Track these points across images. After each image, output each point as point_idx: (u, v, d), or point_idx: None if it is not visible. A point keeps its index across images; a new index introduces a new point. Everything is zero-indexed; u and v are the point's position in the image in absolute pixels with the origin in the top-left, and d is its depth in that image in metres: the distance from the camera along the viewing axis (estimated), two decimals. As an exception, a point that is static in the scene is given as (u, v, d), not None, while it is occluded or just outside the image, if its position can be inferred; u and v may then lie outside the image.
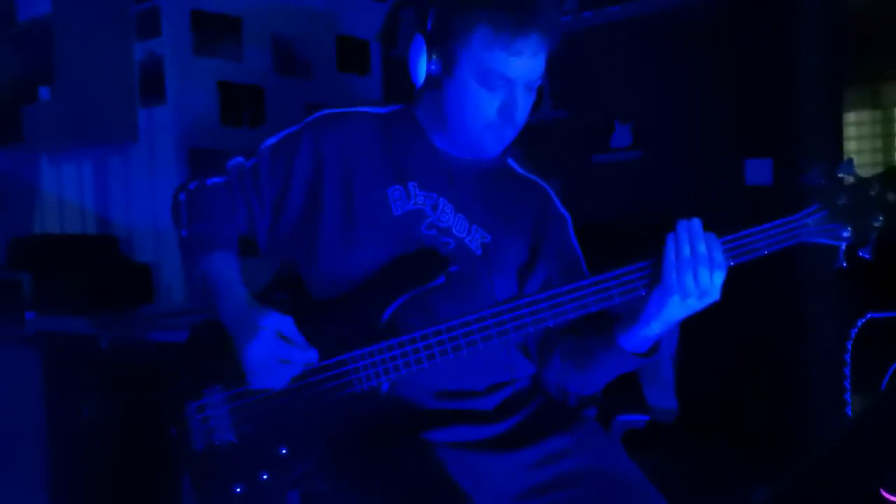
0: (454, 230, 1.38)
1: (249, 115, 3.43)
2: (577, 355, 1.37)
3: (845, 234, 1.19)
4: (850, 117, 4.34)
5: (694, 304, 1.17)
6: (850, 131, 4.22)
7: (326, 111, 1.44)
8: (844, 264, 1.19)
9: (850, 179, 1.19)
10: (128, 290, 3.11)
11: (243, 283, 1.34)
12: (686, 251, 1.15)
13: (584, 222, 1.59)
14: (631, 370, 1.30)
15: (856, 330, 2.25)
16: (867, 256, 1.19)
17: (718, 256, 1.15)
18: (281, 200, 1.41)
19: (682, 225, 1.16)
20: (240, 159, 1.41)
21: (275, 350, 1.24)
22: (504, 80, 1.28)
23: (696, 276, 1.14)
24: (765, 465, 2.32)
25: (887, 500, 1.33)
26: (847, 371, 2.26)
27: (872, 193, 1.18)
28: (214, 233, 1.37)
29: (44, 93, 3.30)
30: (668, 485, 1.30)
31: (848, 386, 2.26)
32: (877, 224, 1.18)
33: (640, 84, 3.28)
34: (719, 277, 1.15)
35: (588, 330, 1.34)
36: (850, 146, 4.06)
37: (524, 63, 1.28)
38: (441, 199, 1.39)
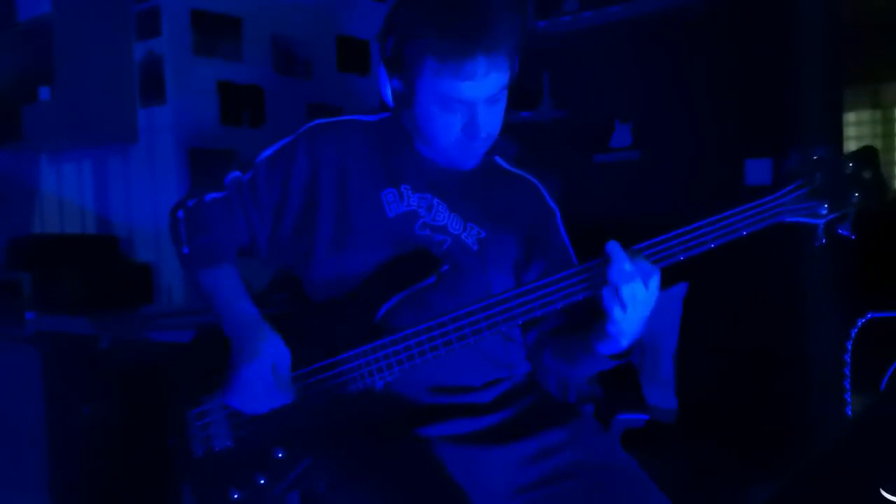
0: (449, 228, 1.40)
1: (249, 115, 3.43)
2: (564, 355, 1.42)
3: (823, 212, 1.21)
4: (850, 117, 4.34)
5: (642, 313, 1.19)
6: (850, 131, 4.23)
7: (318, 121, 1.47)
8: (824, 241, 1.22)
9: (826, 160, 1.21)
10: (128, 290, 3.11)
11: (250, 299, 1.36)
12: (615, 277, 1.17)
13: (585, 222, 1.59)
14: (612, 367, 1.34)
15: (856, 330, 2.25)
16: (846, 233, 1.22)
17: (644, 264, 1.18)
18: (280, 210, 1.43)
19: (610, 250, 1.18)
20: (237, 174, 1.43)
21: (264, 380, 1.27)
22: (460, 103, 1.30)
23: (634, 292, 1.17)
24: (765, 465, 2.32)
25: (887, 500, 1.32)
26: (847, 371, 2.26)
27: (848, 172, 1.21)
28: (216, 247, 1.40)
29: (44, 93, 3.30)
30: (668, 485, 1.30)
31: (848, 386, 2.26)
32: (853, 201, 1.21)
33: (640, 84, 3.28)
34: (654, 282, 1.18)
35: (571, 335, 1.38)
36: (850, 146, 4.06)
37: (476, 84, 1.28)
38: (435, 198, 1.41)
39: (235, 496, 1.30)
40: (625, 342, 1.24)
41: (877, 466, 1.36)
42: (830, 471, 1.45)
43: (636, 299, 1.17)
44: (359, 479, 1.29)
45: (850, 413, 2.26)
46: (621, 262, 1.16)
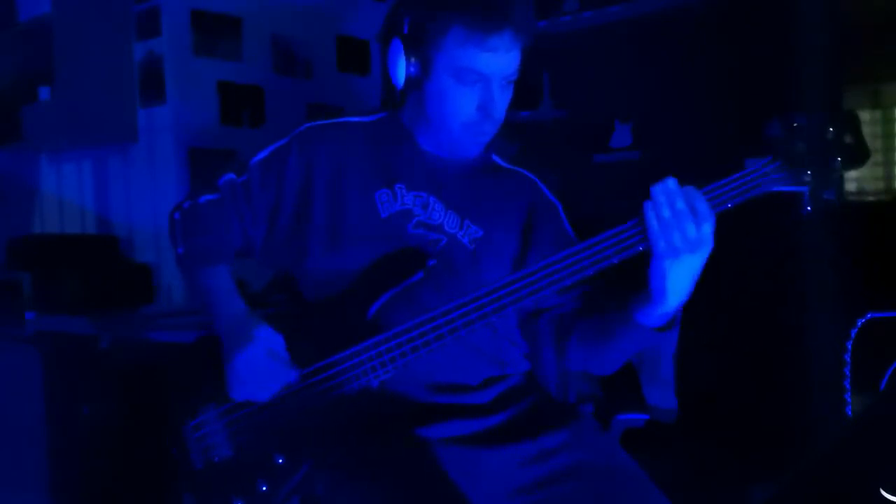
0: (445, 227, 1.40)
1: (249, 115, 3.43)
2: (597, 336, 1.36)
3: (807, 178, 1.20)
4: (850, 117, 4.32)
5: (691, 261, 1.17)
6: (850, 131, 4.22)
7: (313, 123, 1.47)
8: (809, 208, 1.21)
9: (807, 127, 1.21)
10: (128, 290, 3.11)
11: (240, 296, 1.37)
12: (666, 213, 1.15)
13: (585, 222, 1.59)
14: (650, 345, 1.30)
15: (856, 330, 2.25)
16: (832, 198, 1.21)
17: (701, 206, 1.15)
18: (273, 213, 1.43)
19: (656, 189, 1.17)
20: (231, 176, 1.44)
21: (262, 363, 1.26)
22: (480, 77, 1.31)
23: (683, 232, 1.14)
24: (765, 464, 2.32)
25: (887, 500, 1.33)
26: (847, 371, 2.26)
27: (829, 137, 1.20)
28: (210, 247, 1.41)
29: (44, 93, 3.31)
30: (668, 485, 1.30)
31: (848, 386, 2.26)
32: (836, 166, 1.20)
33: (640, 84, 3.28)
34: (708, 227, 1.15)
35: (606, 309, 1.34)
36: (850, 146, 4.05)
37: (499, 59, 1.30)
38: (431, 197, 1.41)
39: (238, 504, 1.30)
40: (672, 302, 1.19)
41: (877, 466, 1.36)
42: (830, 471, 1.45)
43: (687, 239, 1.14)
44: (359, 481, 1.29)
45: (850, 413, 2.25)
46: (674, 196, 1.14)
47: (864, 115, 4.38)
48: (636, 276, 1.22)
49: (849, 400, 2.27)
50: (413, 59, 1.33)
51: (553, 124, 3.55)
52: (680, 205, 1.15)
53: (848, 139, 1.20)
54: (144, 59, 3.26)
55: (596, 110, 3.44)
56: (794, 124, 1.21)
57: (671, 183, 1.16)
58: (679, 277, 1.18)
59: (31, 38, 3.36)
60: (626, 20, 3.32)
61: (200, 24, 3.29)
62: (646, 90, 3.27)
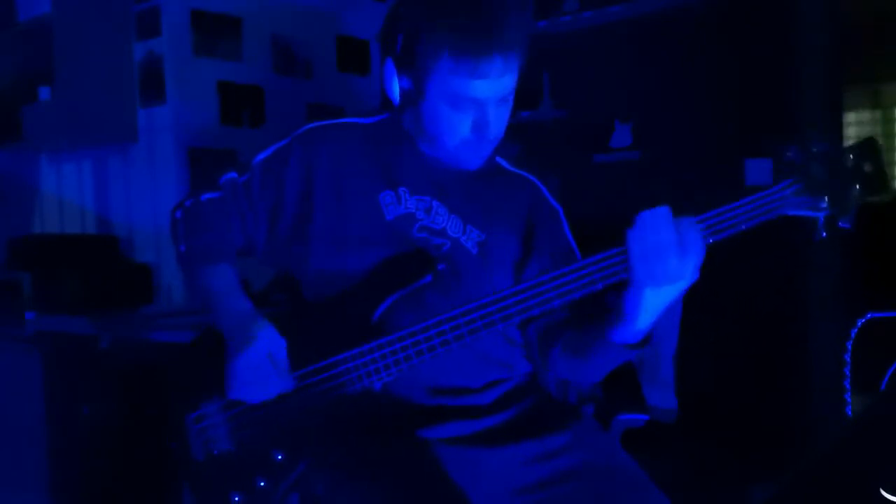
0: (449, 231, 1.40)
1: (249, 115, 3.43)
2: (576, 349, 1.37)
3: (823, 205, 1.18)
4: (850, 117, 4.34)
5: (669, 291, 1.16)
6: (850, 131, 4.23)
7: (314, 124, 1.46)
8: (824, 234, 1.20)
9: (826, 152, 1.19)
10: (128, 290, 3.11)
11: (244, 295, 1.36)
12: (649, 241, 1.13)
13: (584, 222, 1.59)
14: (628, 359, 1.29)
15: (856, 330, 2.25)
16: (847, 227, 1.19)
17: (692, 239, 1.13)
18: (275, 212, 1.43)
19: (640, 217, 1.14)
20: (233, 175, 1.44)
21: (261, 366, 1.26)
22: (473, 102, 1.29)
23: (665, 264, 1.12)
24: (765, 464, 2.32)
25: (887, 500, 1.33)
26: (847, 371, 2.26)
27: (848, 164, 1.18)
28: (212, 246, 1.41)
29: (44, 93, 3.30)
30: (668, 485, 1.30)
31: (848, 386, 2.27)
32: (854, 194, 1.18)
33: (640, 84, 3.28)
34: (692, 261, 1.13)
35: (583, 324, 1.35)
36: (850, 146, 4.05)
37: (490, 85, 1.27)
38: (434, 201, 1.41)
39: (236, 499, 1.30)
40: (642, 323, 1.19)
41: (877, 466, 1.36)
42: (830, 471, 1.45)
43: (668, 272, 1.12)
44: (358, 480, 1.29)
45: (850, 413, 2.26)
46: (661, 225, 1.12)
47: (864, 115, 4.39)
48: (612, 294, 1.21)
49: (849, 400, 2.27)
50: (406, 80, 1.33)
51: (553, 124, 3.55)
52: (666, 236, 1.12)
53: (867, 167, 1.18)
54: (144, 59, 3.26)
55: (596, 110, 3.44)
56: (815, 150, 1.19)
57: (662, 211, 1.14)
58: (654, 304, 1.17)
59: (31, 38, 3.35)
60: (626, 20, 3.32)
61: (200, 24, 3.29)
62: (646, 90, 3.27)
